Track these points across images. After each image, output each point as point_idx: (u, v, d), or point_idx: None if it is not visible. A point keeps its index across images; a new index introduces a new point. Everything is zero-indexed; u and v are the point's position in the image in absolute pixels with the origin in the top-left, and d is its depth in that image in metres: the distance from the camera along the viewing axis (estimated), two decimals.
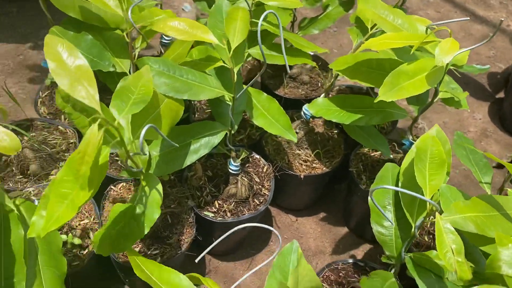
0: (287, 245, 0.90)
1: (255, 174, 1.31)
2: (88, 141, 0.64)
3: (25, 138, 1.24)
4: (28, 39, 1.93)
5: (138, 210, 0.90)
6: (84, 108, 0.86)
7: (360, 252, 1.48)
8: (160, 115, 0.93)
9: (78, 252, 1.10)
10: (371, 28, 1.17)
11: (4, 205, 0.82)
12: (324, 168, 1.37)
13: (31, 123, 1.32)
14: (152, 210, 0.90)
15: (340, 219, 1.56)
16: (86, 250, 1.11)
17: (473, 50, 2.22)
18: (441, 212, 0.82)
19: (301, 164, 1.37)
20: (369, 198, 1.01)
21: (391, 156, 1.24)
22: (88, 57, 1.12)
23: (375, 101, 0.91)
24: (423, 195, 0.84)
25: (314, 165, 1.37)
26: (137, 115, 0.85)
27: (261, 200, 1.26)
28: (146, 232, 0.90)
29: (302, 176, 1.33)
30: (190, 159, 1.07)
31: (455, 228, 0.79)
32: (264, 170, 1.32)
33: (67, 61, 0.69)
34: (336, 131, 1.45)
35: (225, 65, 1.01)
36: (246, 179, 1.26)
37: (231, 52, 0.98)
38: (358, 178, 1.34)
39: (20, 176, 1.21)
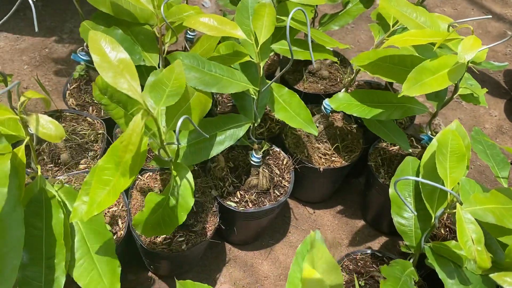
0: (311, 233, 0.93)
1: (275, 166, 1.35)
2: (132, 131, 0.68)
3: None
4: (54, 32, 1.99)
5: (172, 201, 0.95)
6: (120, 100, 0.90)
7: (376, 244, 1.51)
8: (191, 108, 0.97)
9: None
10: (393, 25, 1.20)
11: (45, 190, 0.87)
12: (343, 162, 1.40)
13: (60, 114, 1.37)
14: (186, 199, 0.95)
15: (357, 212, 1.59)
16: (115, 237, 1.16)
17: (490, 48, 2.23)
18: (461, 204, 0.86)
19: (320, 158, 1.40)
20: (390, 189, 1.04)
21: (410, 150, 1.27)
22: None
23: (399, 95, 0.94)
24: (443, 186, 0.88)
25: (333, 158, 1.41)
26: (171, 107, 0.89)
27: (282, 192, 1.30)
28: (183, 220, 0.95)
29: (321, 169, 1.37)
30: (216, 150, 1.11)
31: (474, 219, 0.83)
32: (284, 162, 1.36)
33: (110, 55, 0.73)
34: (355, 126, 1.48)
35: (252, 60, 1.05)
36: (267, 171, 1.30)
37: (259, 47, 1.01)
38: (376, 172, 1.38)
39: (51, 165, 1.26)
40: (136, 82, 0.72)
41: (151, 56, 1.19)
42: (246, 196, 1.28)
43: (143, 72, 1.21)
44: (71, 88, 1.48)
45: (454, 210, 0.84)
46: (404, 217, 1.02)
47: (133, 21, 1.20)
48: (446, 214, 1.23)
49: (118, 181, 0.75)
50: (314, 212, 1.58)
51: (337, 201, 1.62)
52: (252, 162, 1.26)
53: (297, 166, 1.36)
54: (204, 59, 1.04)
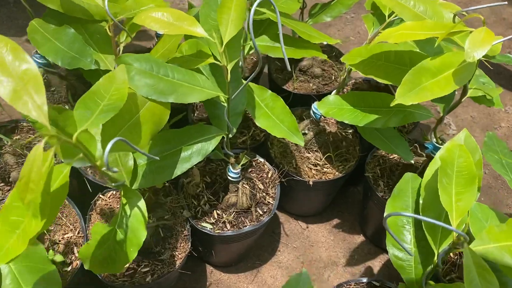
0: (295, 275, 0.77)
1: (258, 180, 1.18)
2: (31, 166, 0.52)
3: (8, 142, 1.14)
4: (25, 31, 1.83)
5: (120, 235, 0.79)
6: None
7: (377, 263, 1.34)
8: (140, 122, 0.80)
9: (61, 269, 1.00)
10: (389, 16, 1.02)
11: None
12: (337, 173, 1.23)
13: (16, 124, 1.22)
14: (136, 233, 0.79)
15: (355, 225, 1.42)
16: (70, 267, 1.01)
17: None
18: (470, 240, 0.68)
19: (311, 169, 1.23)
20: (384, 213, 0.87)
21: (412, 161, 1.09)
22: (68, 53, 1.01)
23: (392, 104, 0.77)
24: (448, 218, 0.70)
25: (325, 169, 1.23)
26: (109, 124, 0.73)
27: (265, 210, 1.14)
28: (133, 257, 0.79)
29: (311, 183, 1.19)
30: (181, 169, 0.94)
31: (486, 260, 0.65)
32: (269, 175, 1.19)
33: (12, 65, 0.57)
34: (350, 131, 1.30)
35: (217, 62, 0.88)
36: (247, 187, 1.13)
37: (223, 46, 0.84)
38: (374, 184, 1.20)
39: (2, 184, 1.11)
40: (41, 98, 0.56)
41: (107, 58, 1.03)
42: (224, 216, 1.12)
43: (101, 76, 1.05)
44: None
45: (462, 249, 0.67)
46: (402, 250, 0.84)
47: (88, 18, 1.04)
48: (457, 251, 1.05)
49: (29, 223, 0.60)
50: (307, 227, 1.41)
51: (333, 213, 1.45)
52: (229, 178, 1.09)
53: (283, 180, 1.19)
54: (160, 62, 0.87)
